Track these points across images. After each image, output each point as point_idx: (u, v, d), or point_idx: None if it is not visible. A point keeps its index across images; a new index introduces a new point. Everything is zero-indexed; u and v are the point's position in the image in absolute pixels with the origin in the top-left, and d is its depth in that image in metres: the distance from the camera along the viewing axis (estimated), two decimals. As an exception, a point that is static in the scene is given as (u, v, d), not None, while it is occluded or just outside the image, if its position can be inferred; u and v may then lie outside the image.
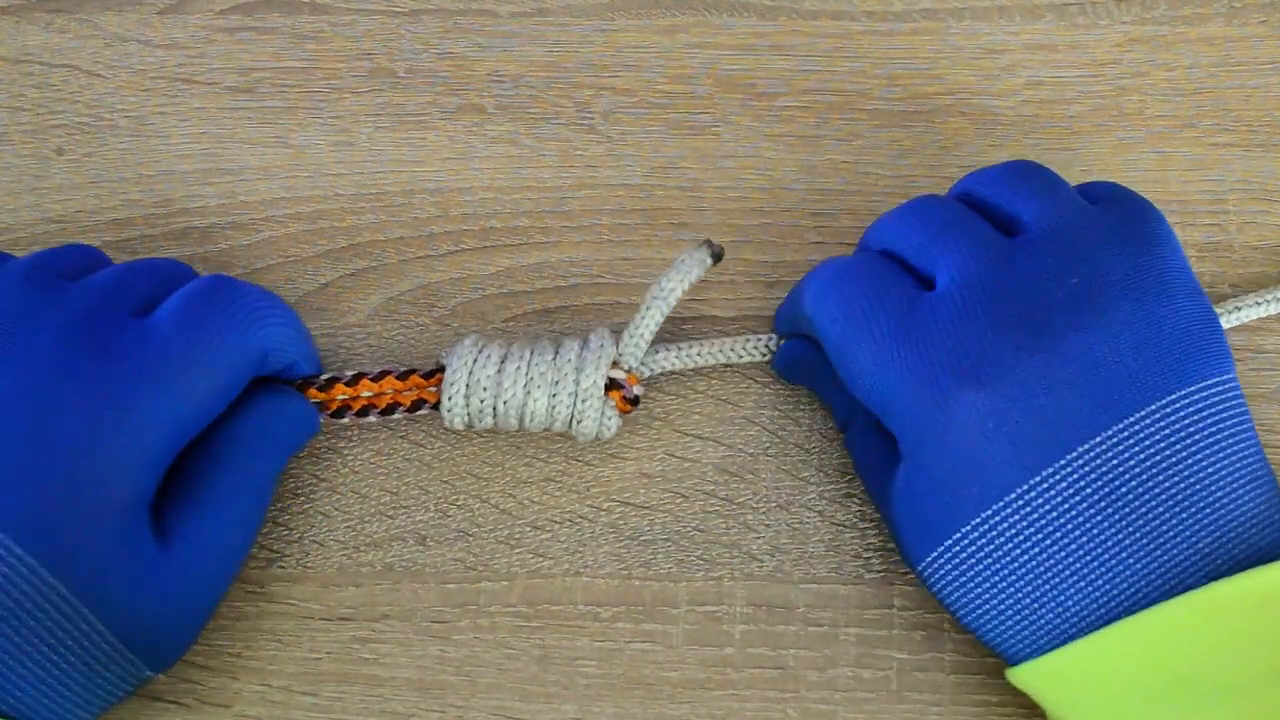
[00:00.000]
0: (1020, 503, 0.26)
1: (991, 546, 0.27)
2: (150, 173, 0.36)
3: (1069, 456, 0.26)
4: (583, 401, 0.31)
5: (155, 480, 0.27)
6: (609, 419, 0.31)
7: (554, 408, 0.31)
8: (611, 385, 0.31)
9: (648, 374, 0.32)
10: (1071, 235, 0.28)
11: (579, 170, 0.36)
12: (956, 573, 0.27)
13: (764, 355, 0.33)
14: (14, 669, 0.25)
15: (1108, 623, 0.26)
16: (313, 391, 0.31)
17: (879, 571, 0.32)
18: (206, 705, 0.31)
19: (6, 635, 0.25)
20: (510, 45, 0.37)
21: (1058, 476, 0.26)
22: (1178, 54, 0.37)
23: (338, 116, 0.36)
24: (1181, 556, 0.26)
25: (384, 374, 0.32)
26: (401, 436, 0.33)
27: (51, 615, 0.25)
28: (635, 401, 0.31)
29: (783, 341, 0.33)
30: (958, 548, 0.27)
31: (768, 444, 0.33)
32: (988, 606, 0.27)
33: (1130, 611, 0.26)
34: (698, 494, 0.33)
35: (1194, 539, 0.26)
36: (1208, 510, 0.26)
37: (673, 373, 0.34)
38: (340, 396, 0.31)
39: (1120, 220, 0.28)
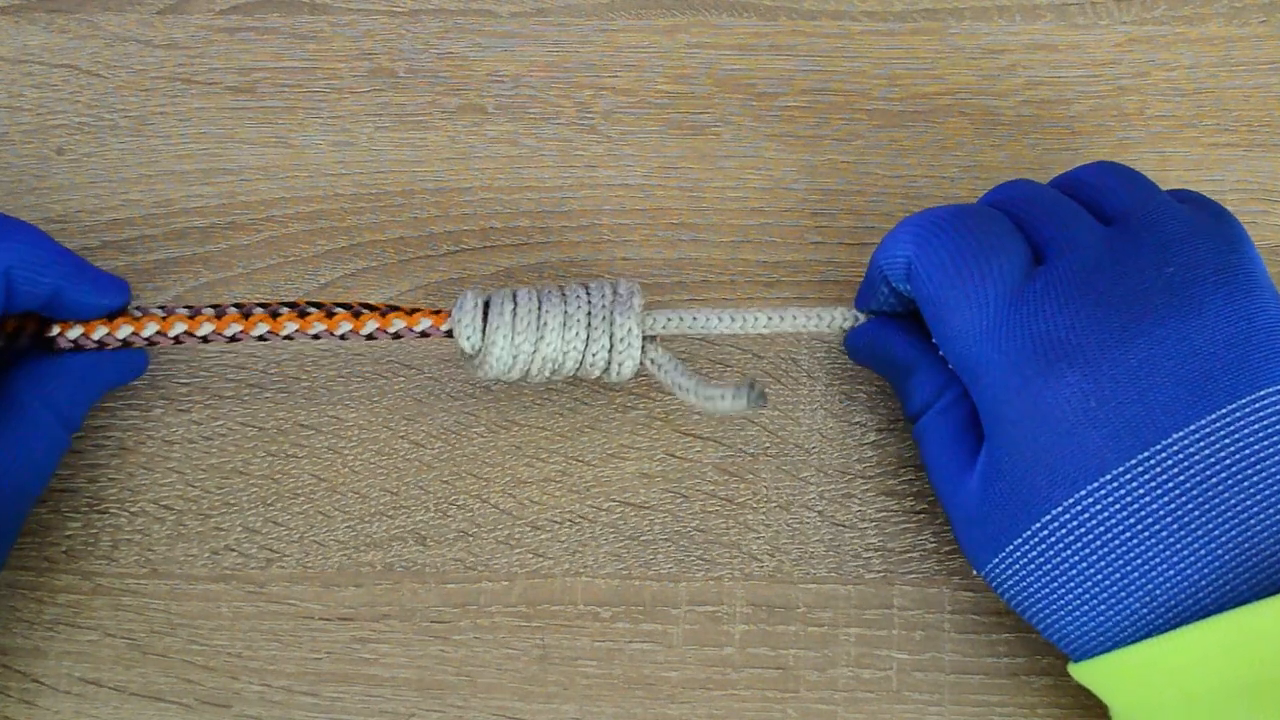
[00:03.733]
0: (1115, 485, 0.26)
1: (1083, 530, 0.26)
2: (150, 173, 0.36)
3: (1164, 442, 0.26)
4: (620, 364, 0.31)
5: None
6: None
7: (585, 361, 0.31)
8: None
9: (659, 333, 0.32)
10: (1165, 227, 0.28)
11: (579, 170, 0.36)
12: (1042, 559, 0.27)
13: (812, 328, 0.32)
14: None
15: (1193, 618, 0.26)
16: (345, 315, 0.31)
17: (879, 571, 0.32)
18: (206, 705, 0.31)
19: None
20: (510, 45, 0.37)
21: (1153, 461, 0.26)
22: (1178, 54, 0.37)
23: (338, 116, 0.36)
24: (1270, 553, 0.26)
25: (415, 310, 0.31)
26: (401, 436, 0.33)
27: None
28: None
29: (861, 320, 0.32)
30: (1046, 531, 0.27)
31: (768, 444, 0.33)
32: (1070, 596, 0.27)
33: (1218, 607, 0.26)
34: (698, 494, 0.33)
35: (1275, 544, 0.26)
36: None
37: (676, 337, 0.33)
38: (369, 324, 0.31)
39: (1208, 218, 0.28)
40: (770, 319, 0.32)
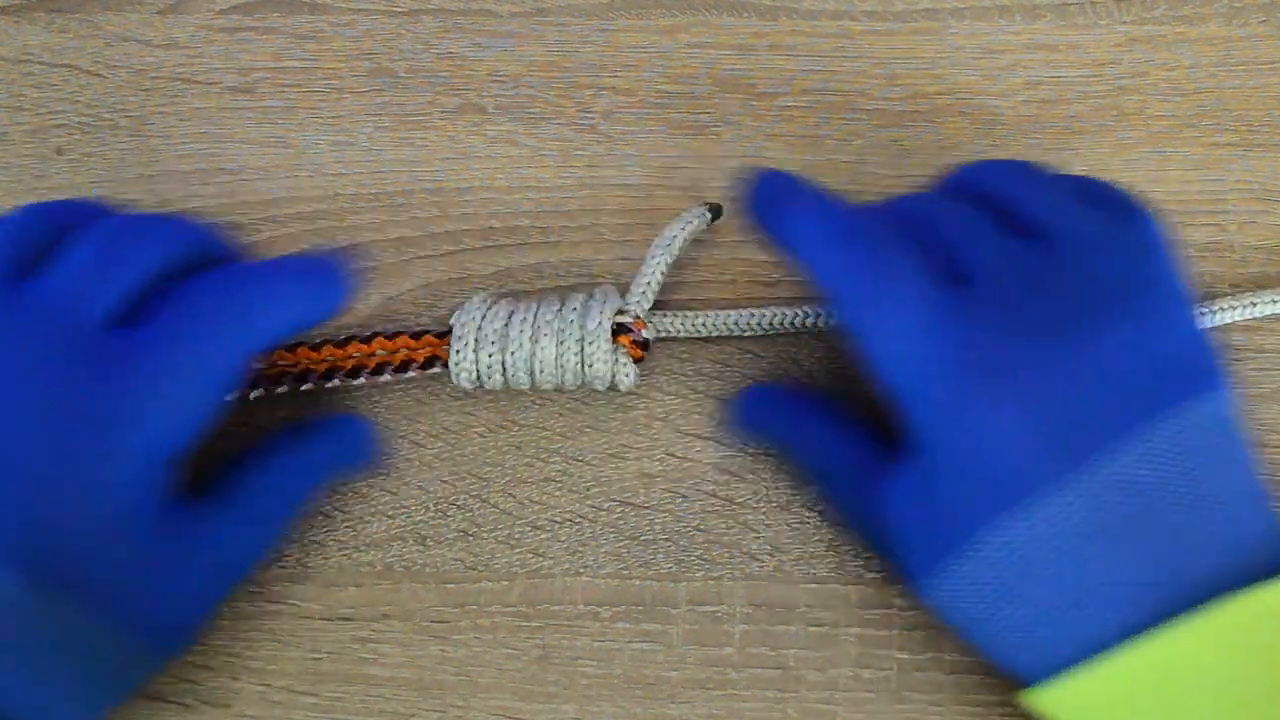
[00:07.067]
0: (1040, 513, 0.26)
1: (1008, 554, 0.26)
2: (150, 173, 0.36)
3: (1082, 470, 0.25)
4: (590, 345, 0.31)
5: (157, 478, 0.27)
6: (623, 365, 0.31)
7: (562, 355, 0.31)
8: (620, 331, 0.31)
9: (655, 333, 0.33)
10: (1076, 244, 0.27)
11: (579, 170, 0.36)
12: (968, 581, 0.27)
13: (770, 330, 0.33)
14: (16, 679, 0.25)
15: (1126, 636, 0.26)
16: (329, 348, 0.32)
17: (879, 571, 0.32)
18: (206, 705, 0.31)
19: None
20: (510, 45, 0.37)
21: (1082, 485, 0.26)
22: (1178, 54, 0.37)
23: (338, 116, 0.36)
24: (1192, 574, 0.26)
25: (398, 333, 0.32)
26: (401, 436, 0.33)
27: (50, 629, 0.25)
28: (646, 346, 0.32)
29: (742, 394, 0.33)
30: (973, 553, 0.27)
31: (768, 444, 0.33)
32: (1000, 620, 0.27)
33: (1146, 627, 0.25)
34: (698, 494, 0.33)
35: (1202, 557, 0.26)
36: (1216, 527, 0.26)
37: (676, 339, 0.34)
38: (355, 354, 0.32)
39: (1118, 231, 0.28)
40: (763, 316, 0.33)
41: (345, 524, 0.33)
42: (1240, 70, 0.37)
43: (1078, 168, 0.36)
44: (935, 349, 0.27)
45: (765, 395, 0.33)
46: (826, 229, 0.28)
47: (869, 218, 0.29)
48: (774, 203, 0.30)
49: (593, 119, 0.37)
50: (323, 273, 0.29)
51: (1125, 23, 0.37)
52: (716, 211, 0.33)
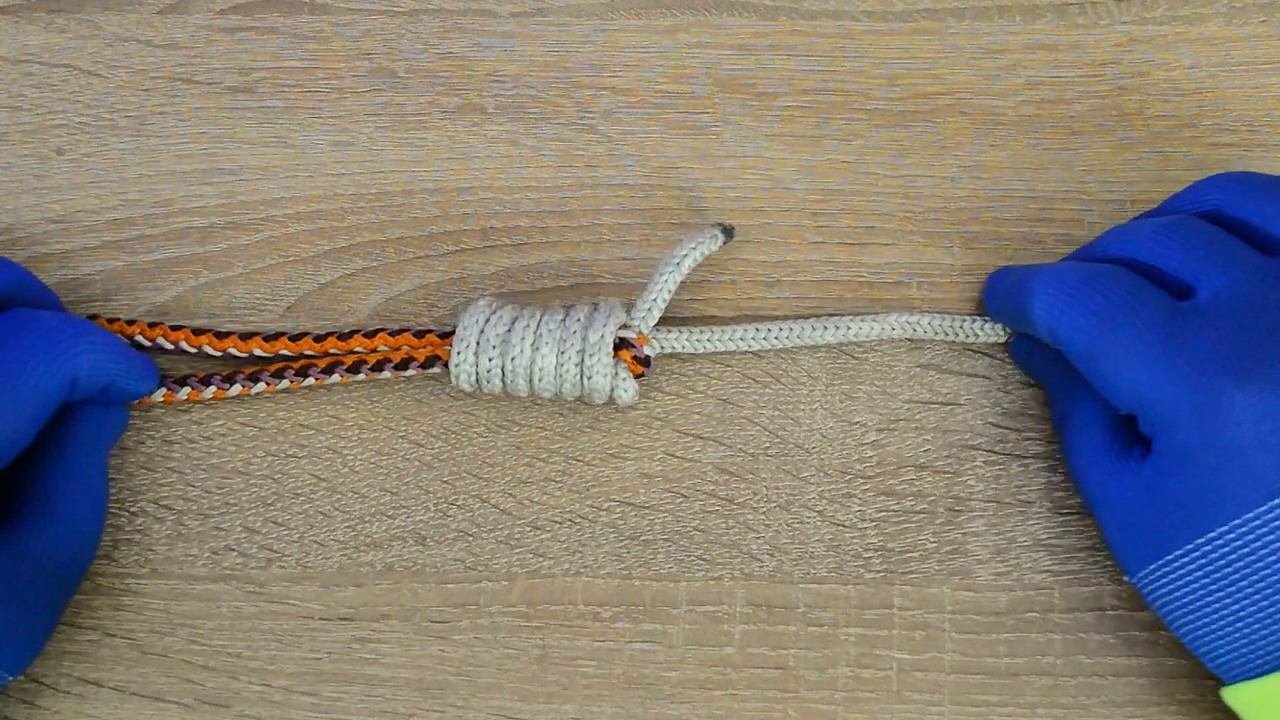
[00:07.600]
0: (1269, 515, 0.26)
1: (1246, 550, 0.26)
2: (150, 173, 0.36)
3: None
4: (590, 357, 0.31)
5: None
6: (622, 379, 0.31)
7: (562, 365, 0.31)
8: (622, 345, 0.31)
9: (658, 350, 0.33)
10: None
11: (579, 170, 0.36)
12: (1201, 574, 0.27)
13: (773, 345, 0.33)
14: None
15: None
16: (332, 340, 0.32)
17: (879, 571, 0.32)
18: (206, 705, 0.31)
19: None
20: (510, 45, 0.37)
21: None
22: (1178, 54, 0.37)
23: (338, 116, 0.36)
24: None
25: (402, 330, 0.33)
26: (401, 436, 0.33)
27: None
28: (647, 363, 0.32)
29: (1013, 336, 0.34)
30: (1209, 547, 0.27)
31: (768, 444, 0.33)
32: (1225, 613, 0.27)
33: None
34: (698, 494, 0.33)
35: None
36: None
37: (675, 355, 0.34)
38: (358, 349, 0.32)
39: None
40: (767, 330, 0.33)
41: (345, 524, 0.33)
42: (1240, 70, 0.37)
43: (1078, 168, 0.36)
44: (1165, 366, 0.27)
45: (1032, 341, 0.33)
46: (1051, 290, 0.29)
47: (1081, 270, 0.29)
48: (1003, 298, 0.32)
49: (593, 119, 0.36)
50: (138, 355, 0.32)
51: (1125, 23, 0.37)
52: (729, 233, 0.33)
